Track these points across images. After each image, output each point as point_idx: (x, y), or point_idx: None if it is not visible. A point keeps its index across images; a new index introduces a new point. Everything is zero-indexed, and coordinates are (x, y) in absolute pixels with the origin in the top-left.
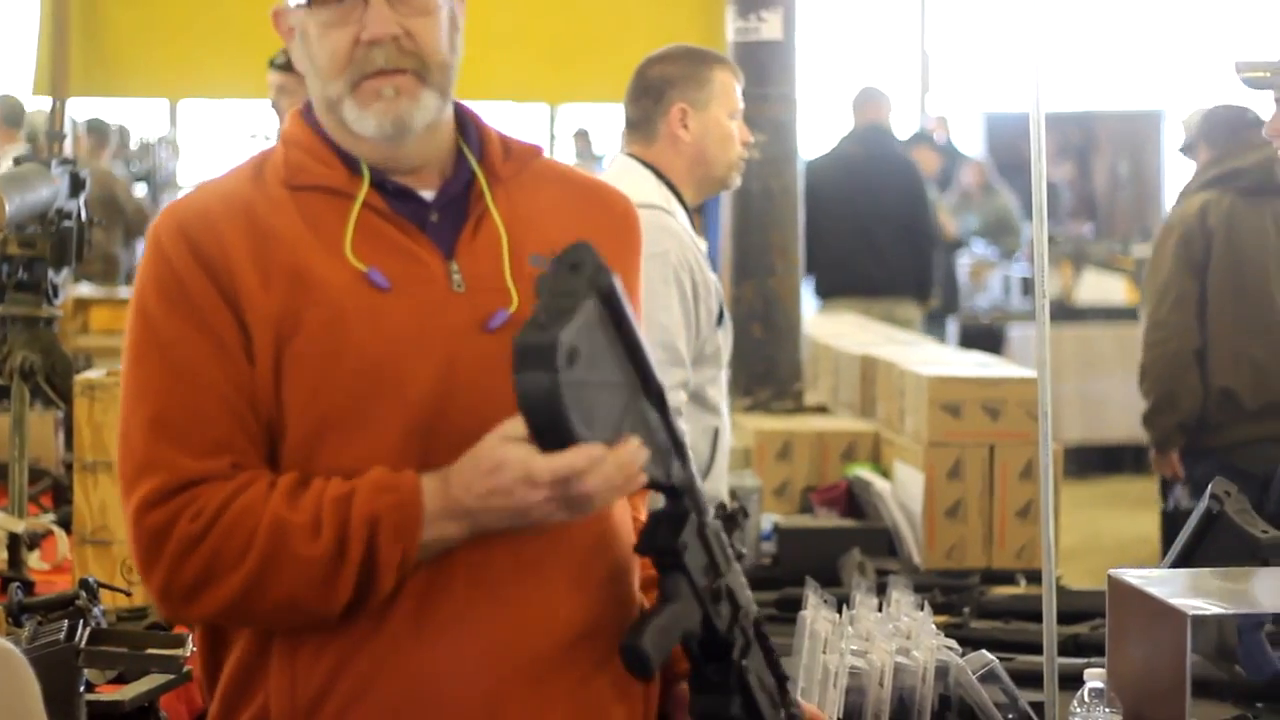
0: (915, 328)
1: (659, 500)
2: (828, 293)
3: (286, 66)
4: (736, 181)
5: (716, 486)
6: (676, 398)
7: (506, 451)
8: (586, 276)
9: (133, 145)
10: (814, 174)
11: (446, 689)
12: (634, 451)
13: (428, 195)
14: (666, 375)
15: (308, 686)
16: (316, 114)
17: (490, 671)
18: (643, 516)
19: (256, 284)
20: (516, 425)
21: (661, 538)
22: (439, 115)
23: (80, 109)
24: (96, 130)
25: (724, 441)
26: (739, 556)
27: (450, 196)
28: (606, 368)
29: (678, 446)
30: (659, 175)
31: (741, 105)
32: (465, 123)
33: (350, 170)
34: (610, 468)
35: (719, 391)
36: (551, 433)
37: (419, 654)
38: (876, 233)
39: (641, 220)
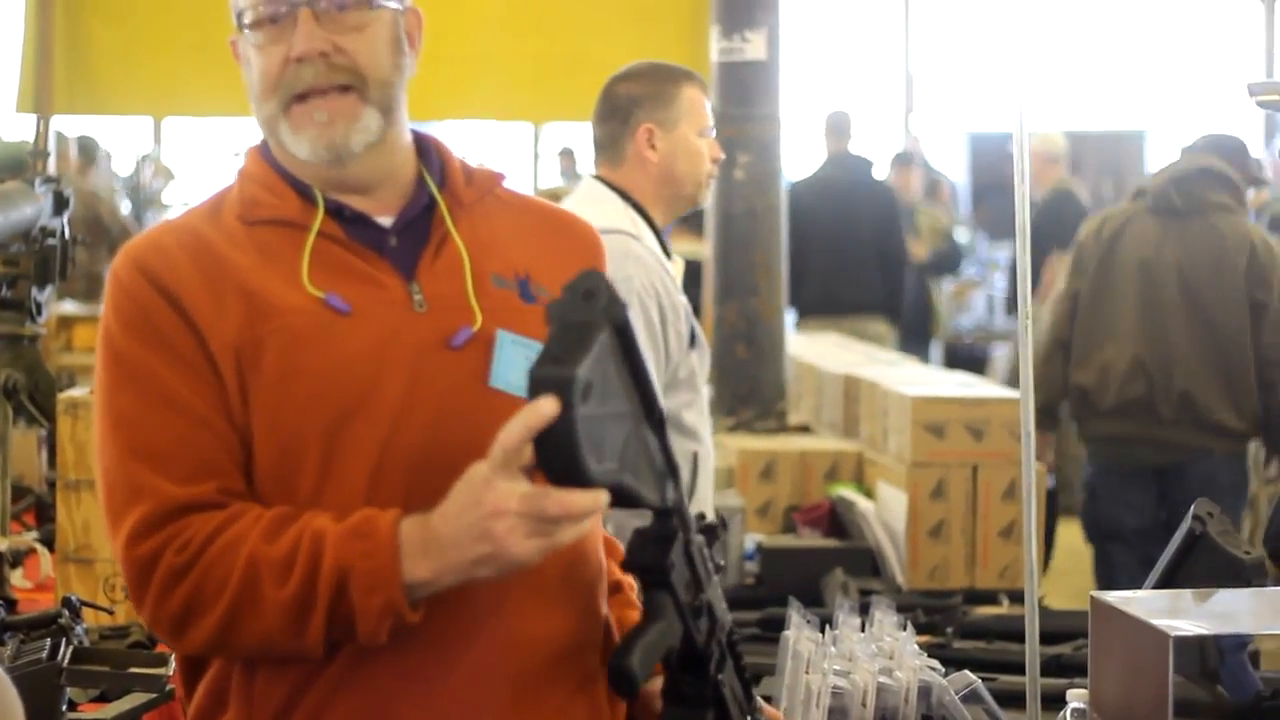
0: (887, 345)
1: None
2: (804, 311)
3: None
4: (705, 199)
5: (701, 511)
6: None
7: (484, 476)
8: (601, 306)
9: (118, 162)
10: (795, 197)
11: (404, 716)
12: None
13: (385, 221)
14: None
15: (264, 712)
16: (268, 141)
17: (447, 695)
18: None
19: (211, 312)
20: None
21: (650, 556)
22: (381, 135)
23: (64, 126)
24: (85, 149)
25: (705, 466)
26: (718, 569)
27: (408, 221)
28: (615, 399)
29: (672, 470)
30: (625, 197)
31: (711, 121)
32: (426, 149)
33: (305, 200)
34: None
35: (698, 415)
36: (562, 467)
37: (372, 682)
38: (850, 254)
39: (605, 246)
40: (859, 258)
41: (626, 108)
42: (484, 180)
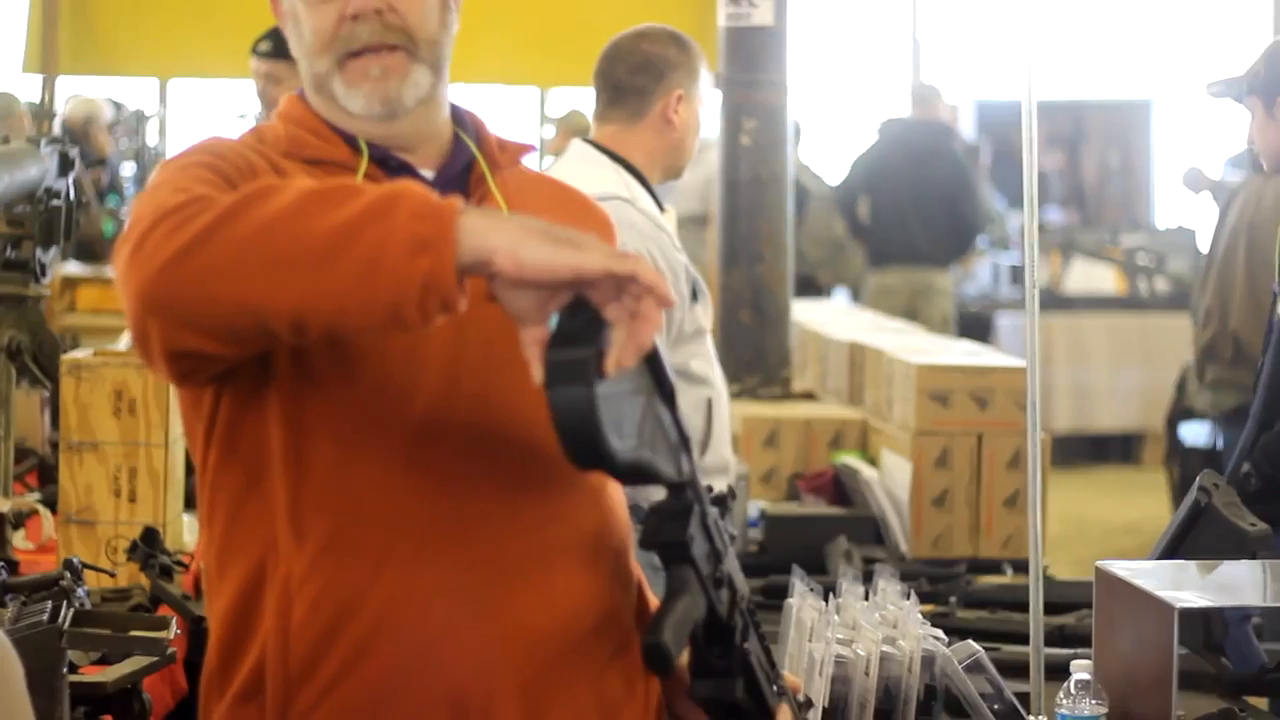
0: (948, 298)
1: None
2: (875, 259)
3: (272, 54)
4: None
5: (721, 453)
6: None
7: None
8: None
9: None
10: (874, 154)
11: (445, 662)
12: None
13: (427, 174)
14: None
15: (301, 644)
16: (308, 96)
17: (490, 645)
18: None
19: None
20: None
21: (669, 532)
22: (432, 92)
23: (71, 87)
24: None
25: (720, 410)
26: (731, 539)
27: (450, 176)
28: (629, 375)
29: (684, 441)
30: (618, 160)
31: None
32: (460, 115)
33: (350, 147)
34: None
35: (704, 361)
36: (586, 446)
37: (414, 628)
38: (922, 210)
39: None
40: (929, 214)
41: (661, 68)
42: (514, 150)
